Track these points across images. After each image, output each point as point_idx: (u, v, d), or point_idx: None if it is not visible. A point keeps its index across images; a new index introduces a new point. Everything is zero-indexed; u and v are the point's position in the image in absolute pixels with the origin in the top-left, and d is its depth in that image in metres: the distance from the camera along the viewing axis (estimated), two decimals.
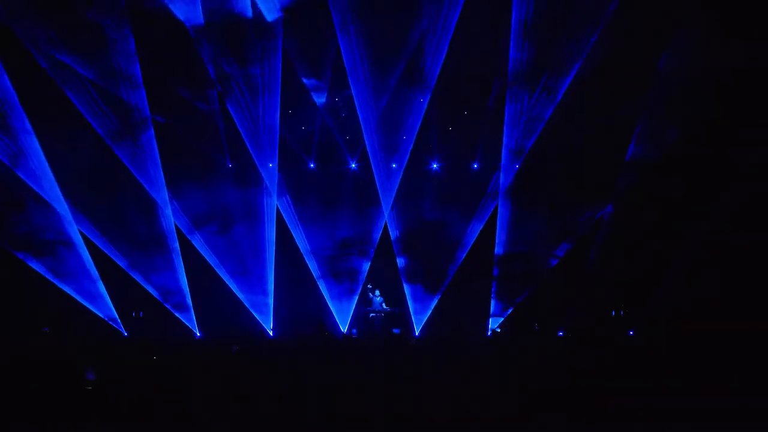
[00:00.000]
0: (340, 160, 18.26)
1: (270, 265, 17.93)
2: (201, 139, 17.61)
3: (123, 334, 17.17)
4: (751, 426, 8.31)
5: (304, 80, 17.55)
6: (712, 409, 8.80)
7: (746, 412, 8.47)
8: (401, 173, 17.56)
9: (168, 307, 17.59)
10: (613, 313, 17.14)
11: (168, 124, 17.03)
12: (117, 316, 17.26)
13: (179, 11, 16.15)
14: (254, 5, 16.18)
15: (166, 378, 10.52)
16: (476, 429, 8.87)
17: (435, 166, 18.15)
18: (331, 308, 18.24)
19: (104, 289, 17.06)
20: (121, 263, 17.31)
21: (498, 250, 17.20)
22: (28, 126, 16.03)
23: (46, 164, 16.34)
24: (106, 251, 17.20)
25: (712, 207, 15.19)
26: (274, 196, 17.71)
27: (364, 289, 17.84)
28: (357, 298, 18.17)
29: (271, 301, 17.94)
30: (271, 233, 17.89)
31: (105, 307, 17.21)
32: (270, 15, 16.24)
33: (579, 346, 14.82)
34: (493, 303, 17.41)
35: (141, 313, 17.73)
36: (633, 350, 14.29)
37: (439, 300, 17.95)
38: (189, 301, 17.50)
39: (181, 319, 17.59)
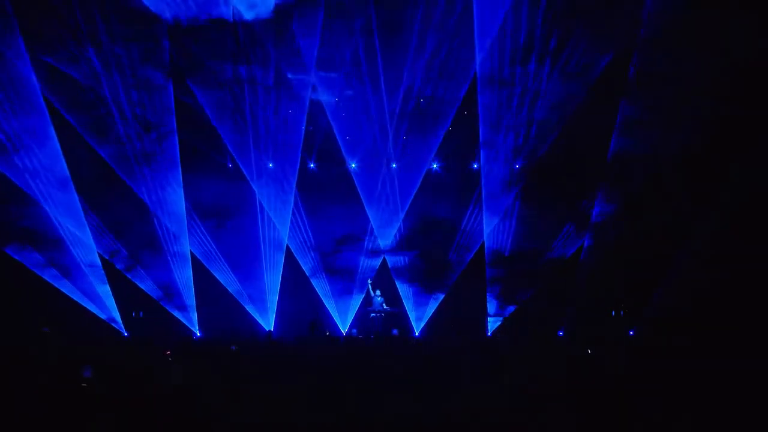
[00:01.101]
0: (341, 161, 18.28)
1: (279, 265, 17.97)
2: (220, 140, 17.63)
3: (123, 334, 17.22)
4: (750, 426, 8.31)
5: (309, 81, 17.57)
6: (712, 409, 8.79)
7: (746, 412, 8.46)
8: (422, 174, 17.64)
9: (168, 307, 17.62)
10: (613, 313, 17.16)
11: (188, 125, 17.08)
12: (119, 317, 17.29)
13: (207, 12, 16.20)
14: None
15: (165, 378, 10.52)
16: (476, 430, 8.86)
17: (436, 166, 18.15)
18: (328, 308, 18.26)
19: (110, 289, 17.10)
20: (130, 263, 17.34)
21: (488, 251, 17.30)
22: (51, 129, 16.08)
23: (64, 163, 16.37)
24: (115, 251, 17.24)
25: (711, 207, 15.20)
26: (292, 196, 17.77)
27: (366, 288, 17.90)
28: (360, 298, 18.24)
29: (276, 300, 17.98)
30: (283, 234, 17.92)
31: (108, 307, 17.23)
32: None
33: (578, 346, 14.83)
34: (492, 304, 17.45)
35: (141, 313, 17.77)
36: (633, 350, 14.28)
37: (440, 301, 18.00)
38: (193, 301, 17.52)
39: (182, 319, 17.61)
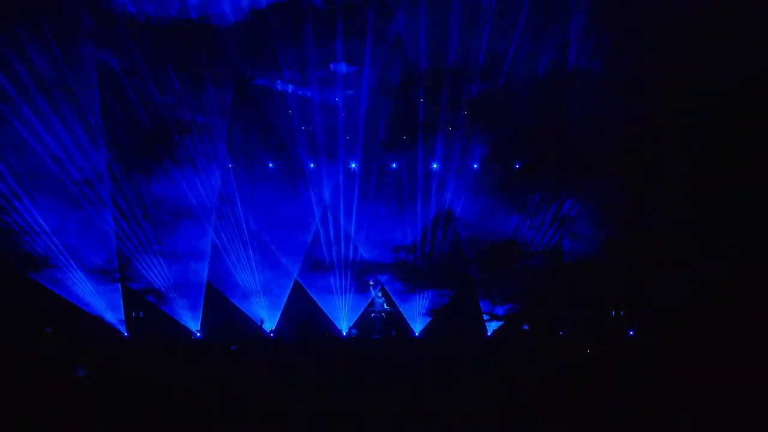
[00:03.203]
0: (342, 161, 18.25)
1: (294, 267, 17.99)
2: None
3: (123, 334, 17.19)
4: (748, 425, 8.34)
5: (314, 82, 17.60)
6: (711, 408, 8.82)
7: (744, 411, 8.49)
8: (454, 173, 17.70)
9: (171, 307, 17.59)
10: (613, 313, 17.15)
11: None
12: (123, 316, 17.25)
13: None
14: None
15: (166, 377, 10.55)
16: (475, 429, 8.88)
17: (436, 166, 18.14)
18: (328, 309, 18.25)
19: (120, 288, 17.07)
20: (141, 261, 17.34)
21: (471, 250, 17.37)
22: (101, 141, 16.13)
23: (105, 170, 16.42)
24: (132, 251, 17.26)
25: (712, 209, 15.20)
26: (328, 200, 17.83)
27: (367, 289, 17.89)
28: (361, 299, 18.24)
29: (284, 300, 17.98)
30: (305, 238, 17.95)
31: (114, 307, 17.18)
32: None
33: (578, 346, 14.85)
34: (492, 304, 17.44)
35: (141, 314, 17.72)
36: (633, 350, 14.31)
37: (440, 301, 17.99)
38: (200, 301, 17.48)
39: (182, 320, 17.59)
